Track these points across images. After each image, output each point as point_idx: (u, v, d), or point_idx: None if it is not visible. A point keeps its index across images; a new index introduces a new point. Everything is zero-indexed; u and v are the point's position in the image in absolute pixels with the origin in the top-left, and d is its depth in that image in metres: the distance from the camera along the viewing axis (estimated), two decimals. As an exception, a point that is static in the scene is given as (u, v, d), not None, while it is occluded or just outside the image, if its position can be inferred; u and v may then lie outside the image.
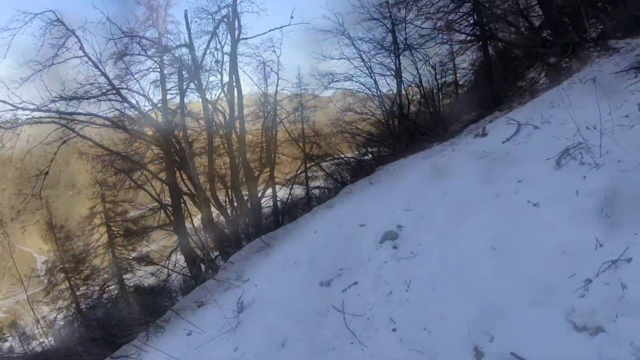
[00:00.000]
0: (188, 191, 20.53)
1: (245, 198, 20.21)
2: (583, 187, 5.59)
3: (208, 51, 18.82)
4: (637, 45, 11.32)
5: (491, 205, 5.87)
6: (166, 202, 22.59)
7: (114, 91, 17.99)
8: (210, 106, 19.91)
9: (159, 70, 20.15)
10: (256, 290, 7.34)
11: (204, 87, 19.70)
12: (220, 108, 20.56)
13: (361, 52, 20.41)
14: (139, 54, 19.44)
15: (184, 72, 19.46)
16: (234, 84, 18.78)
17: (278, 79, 22.94)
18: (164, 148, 19.84)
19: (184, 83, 19.52)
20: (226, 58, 19.84)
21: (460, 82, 25.56)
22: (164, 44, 19.39)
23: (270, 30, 19.20)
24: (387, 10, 19.63)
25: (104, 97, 18.00)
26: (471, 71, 22.46)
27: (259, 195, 21.79)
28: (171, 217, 22.10)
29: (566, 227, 5.00)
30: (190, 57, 18.77)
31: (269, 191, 25.31)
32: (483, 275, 4.91)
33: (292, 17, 18.43)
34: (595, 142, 6.23)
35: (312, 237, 6.61)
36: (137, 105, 18.98)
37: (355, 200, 8.13)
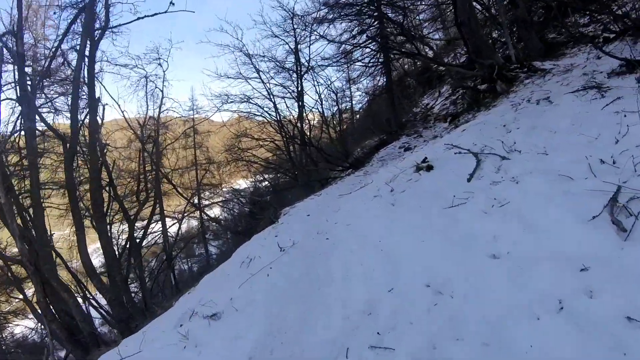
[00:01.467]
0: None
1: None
2: None
3: (60, 52, 12.91)
4: (567, 66, 9.29)
5: (560, 330, 2.53)
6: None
7: None
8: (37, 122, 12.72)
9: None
10: None
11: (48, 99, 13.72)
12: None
13: (260, 72, 16.65)
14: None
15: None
16: (83, 92, 12.51)
17: (162, 97, 18.49)
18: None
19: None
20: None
21: (355, 109, 23.13)
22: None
23: (139, 18, 12.98)
24: (291, 28, 16.31)
25: None
26: (371, 96, 19.69)
27: (143, 232, 16.90)
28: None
29: None
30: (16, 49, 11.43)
31: (159, 226, 20.69)
32: None
33: (172, 4, 12.76)
34: (634, 185, 3.71)
35: None
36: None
37: (262, 292, 4.39)
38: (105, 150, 14.27)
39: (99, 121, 13.96)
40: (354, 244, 4.92)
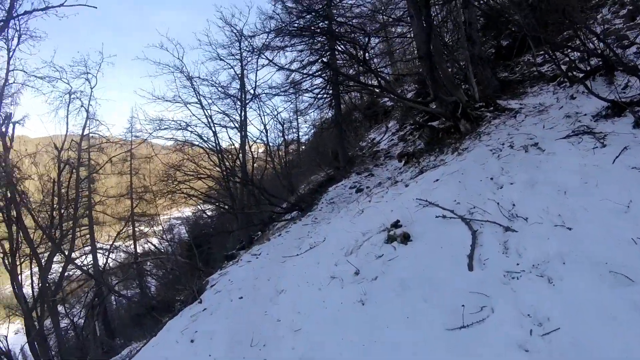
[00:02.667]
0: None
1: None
2: None
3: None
4: (537, 105, 7.95)
5: None
6: None
7: None
8: None
9: None
10: None
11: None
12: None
13: (201, 97, 14.37)
14: None
15: None
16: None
17: (87, 117, 15.60)
18: None
19: None
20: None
21: (301, 141, 21.27)
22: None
23: (48, 8, 9.94)
24: (238, 52, 14.23)
25: None
26: (318, 129, 17.90)
27: (60, 274, 13.55)
28: None
29: None
30: None
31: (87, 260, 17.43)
32: None
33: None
34: None
35: None
36: None
37: None
38: (16, 180, 11.31)
39: (8, 142, 11.25)
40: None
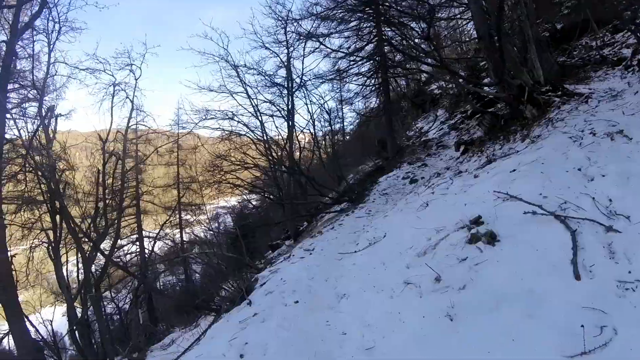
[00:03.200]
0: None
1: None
2: None
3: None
4: (607, 90, 7.29)
5: None
6: None
7: None
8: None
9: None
10: None
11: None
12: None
13: (247, 86, 13.61)
14: None
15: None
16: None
17: (133, 108, 14.96)
18: None
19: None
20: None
21: (346, 130, 20.64)
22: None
23: None
24: (284, 39, 13.77)
25: None
26: (366, 117, 17.27)
27: (102, 267, 13.37)
28: None
29: None
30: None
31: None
32: None
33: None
34: None
35: None
36: None
37: None
38: (59, 172, 11.30)
39: (50, 134, 11.29)
40: None
